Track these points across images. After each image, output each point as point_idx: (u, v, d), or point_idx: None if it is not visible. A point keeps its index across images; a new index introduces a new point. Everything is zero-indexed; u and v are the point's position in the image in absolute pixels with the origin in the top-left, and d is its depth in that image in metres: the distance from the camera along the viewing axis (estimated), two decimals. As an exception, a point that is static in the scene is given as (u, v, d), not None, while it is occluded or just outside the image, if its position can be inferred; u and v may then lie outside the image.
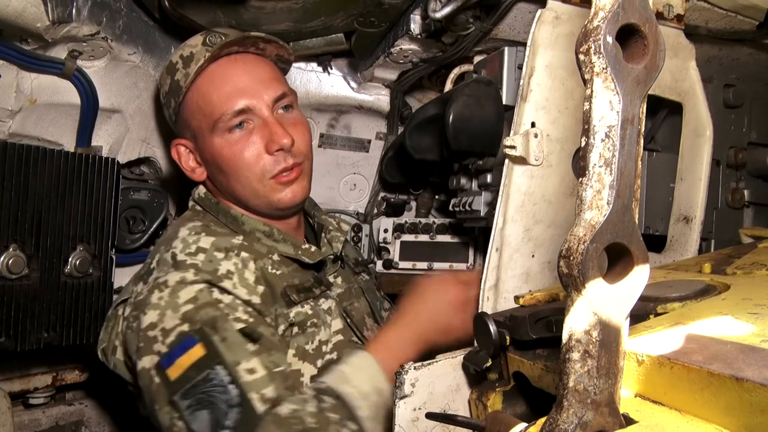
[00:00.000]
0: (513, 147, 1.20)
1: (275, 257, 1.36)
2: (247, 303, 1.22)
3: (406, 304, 1.35)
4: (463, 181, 1.57)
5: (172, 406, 1.12)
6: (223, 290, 1.22)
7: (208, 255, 1.26)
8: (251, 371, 1.12)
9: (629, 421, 0.60)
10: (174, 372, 1.12)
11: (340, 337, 1.36)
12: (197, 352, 1.12)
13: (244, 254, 1.29)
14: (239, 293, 1.22)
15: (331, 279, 1.45)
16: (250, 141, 1.33)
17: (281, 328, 1.27)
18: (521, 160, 1.21)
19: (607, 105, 0.54)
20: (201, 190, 1.45)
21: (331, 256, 1.48)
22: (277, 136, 1.32)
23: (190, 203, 1.47)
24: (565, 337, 0.55)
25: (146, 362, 1.16)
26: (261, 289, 1.26)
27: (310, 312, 1.33)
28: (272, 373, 1.13)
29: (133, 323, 1.22)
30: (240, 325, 1.16)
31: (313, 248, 1.42)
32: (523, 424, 0.67)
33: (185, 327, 1.15)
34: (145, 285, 1.25)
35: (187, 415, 1.09)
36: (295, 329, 1.30)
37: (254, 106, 1.33)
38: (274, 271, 1.33)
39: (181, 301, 1.18)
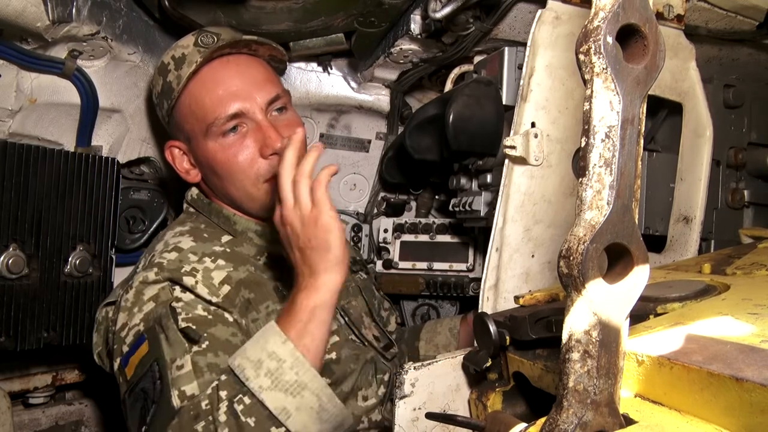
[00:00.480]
0: (513, 147, 1.20)
1: (264, 259, 1.36)
2: (208, 302, 1.21)
3: (294, 265, 1.16)
4: (463, 181, 1.57)
5: (124, 404, 1.17)
6: (185, 288, 1.22)
7: (181, 255, 1.27)
8: (180, 368, 1.11)
9: (629, 421, 0.60)
10: (129, 371, 1.16)
11: (336, 337, 1.35)
12: (143, 349, 1.14)
13: (221, 261, 1.29)
14: (200, 291, 1.22)
15: None
16: (244, 145, 1.33)
17: None
18: (521, 160, 1.21)
19: (607, 105, 0.54)
20: (194, 191, 1.46)
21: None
22: (270, 140, 1.31)
23: (185, 205, 1.47)
24: (565, 337, 0.55)
25: (117, 363, 1.20)
26: (226, 289, 1.25)
27: None
28: (201, 371, 1.11)
29: (111, 327, 1.26)
30: (185, 324, 1.16)
31: None
32: (523, 424, 0.67)
33: (142, 326, 1.18)
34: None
35: (129, 410, 1.14)
36: None
37: (247, 110, 1.32)
38: (260, 273, 1.33)
39: (145, 299, 1.21)
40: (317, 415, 1.07)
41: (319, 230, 1.10)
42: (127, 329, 1.20)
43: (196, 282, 1.22)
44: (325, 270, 1.11)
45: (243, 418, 1.02)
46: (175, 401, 1.07)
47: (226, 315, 1.22)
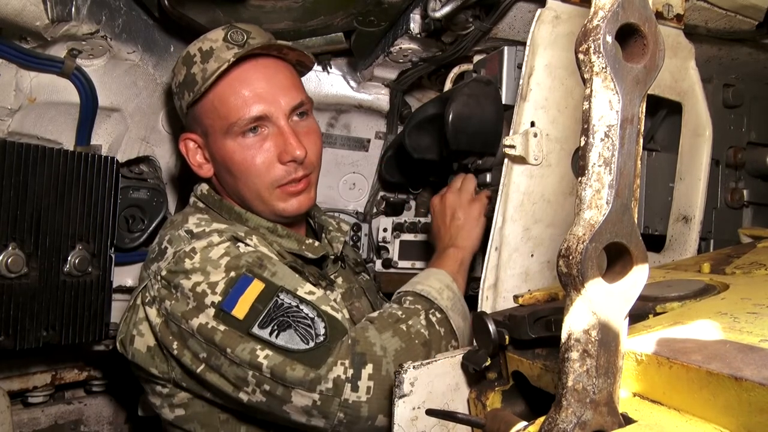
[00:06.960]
0: (512, 146, 1.20)
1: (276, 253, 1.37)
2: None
3: (442, 230, 1.48)
4: (462, 180, 1.57)
5: (253, 339, 1.15)
6: (248, 246, 1.27)
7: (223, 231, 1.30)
8: (311, 293, 1.21)
9: (628, 420, 0.60)
10: (241, 310, 1.16)
11: None
12: (257, 287, 1.18)
13: (255, 237, 1.33)
14: (262, 250, 1.28)
15: (332, 279, 1.45)
16: (264, 148, 1.33)
17: None
18: (521, 160, 1.21)
19: (607, 104, 0.54)
20: (204, 187, 1.45)
21: (332, 257, 1.48)
22: (291, 147, 1.32)
23: (192, 200, 1.46)
24: (564, 337, 0.55)
25: (203, 318, 1.17)
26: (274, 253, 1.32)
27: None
28: (325, 295, 1.26)
29: (175, 294, 1.22)
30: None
31: (317, 243, 1.43)
32: (524, 423, 0.67)
33: (232, 274, 1.20)
34: (166, 262, 1.25)
35: (274, 339, 1.14)
36: None
37: (271, 114, 1.33)
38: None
39: (216, 257, 1.22)
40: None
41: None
42: (206, 284, 1.19)
43: (256, 243, 1.29)
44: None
45: (437, 327, 1.24)
46: (334, 313, 1.19)
47: None
